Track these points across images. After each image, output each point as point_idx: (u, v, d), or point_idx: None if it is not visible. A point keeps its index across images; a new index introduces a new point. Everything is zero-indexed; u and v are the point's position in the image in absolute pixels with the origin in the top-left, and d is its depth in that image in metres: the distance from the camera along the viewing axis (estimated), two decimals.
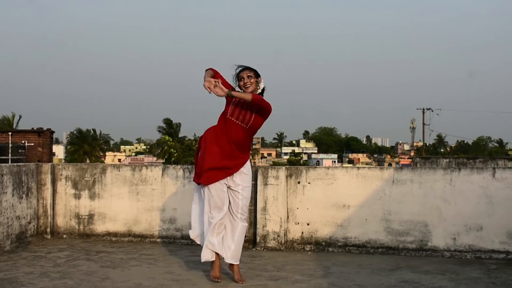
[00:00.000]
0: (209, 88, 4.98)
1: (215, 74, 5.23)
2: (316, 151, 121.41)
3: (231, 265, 5.34)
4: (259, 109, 5.13)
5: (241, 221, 5.31)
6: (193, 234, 5.46)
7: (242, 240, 5.38)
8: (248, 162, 5.36)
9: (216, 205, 5.21)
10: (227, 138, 5.19)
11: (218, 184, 5.21)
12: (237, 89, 5.29)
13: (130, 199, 7.49)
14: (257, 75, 5.29)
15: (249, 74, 5.24)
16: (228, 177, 5.24)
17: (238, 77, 5.28)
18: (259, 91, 5.30)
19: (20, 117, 49.49)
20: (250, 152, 5.73)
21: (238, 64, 5.33)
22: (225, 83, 5.22)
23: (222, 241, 5.28)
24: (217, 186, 5.21)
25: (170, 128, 64.76)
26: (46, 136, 26.47)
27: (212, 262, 5.28)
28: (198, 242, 5.46)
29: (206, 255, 5.24)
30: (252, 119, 5.17)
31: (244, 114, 5.18)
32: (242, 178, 5.28)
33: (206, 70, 5.24)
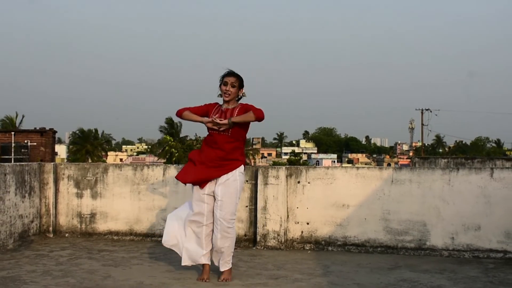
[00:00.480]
0: (216, 127, 5.06)
1: (196, 112, 5.24)
2: (315, 151, 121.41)
3: None
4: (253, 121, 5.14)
5: (221, 232, 5.14)
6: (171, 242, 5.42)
7: (228, 248, 5.20)
8: (236, 171, 5.20)
9: (194, 210, 5.26)
10: (212, 148, 5.19)
11: (198, 190, 5.23)
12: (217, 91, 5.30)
13: (131, 198, 7.49)
14: (241, 85, 5.26)
15: (234, 83, 5.20)
16: (209, 185, 5.21)
17: (223, 79, 5.23)
18: (238, 98, 5.30)
19: (23, 116, 49.57)
20: (249, 156, 5.65)
21: (226, 67, 5.31)
22: (202, 109, 5.27)
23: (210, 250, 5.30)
24: (198, 194, 5.23)
25: (171, 128, 64.75)
26: (48, 136, 26.49)
27: (202, 266, 5.29)
28: (176, 249, 5.42)
29: (186, 261, 5.30)
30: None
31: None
32: (224, 186, 5.17)
33: (182, 113, 5.24)
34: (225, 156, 5.16)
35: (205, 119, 5.16)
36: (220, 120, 5.05)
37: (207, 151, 5.20)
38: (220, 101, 5.34)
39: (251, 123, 5.20)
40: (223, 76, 5.25)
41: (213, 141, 5.18)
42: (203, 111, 5.29)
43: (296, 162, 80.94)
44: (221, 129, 5.07)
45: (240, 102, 5.31)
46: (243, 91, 5.29)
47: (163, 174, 7.42)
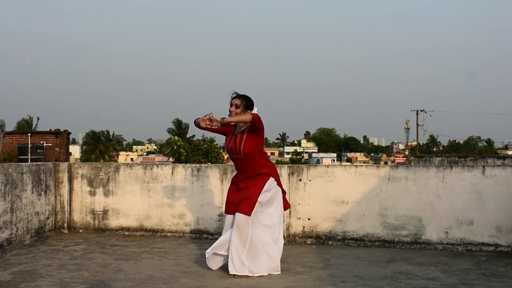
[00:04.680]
0: (208, 125, 5.08)
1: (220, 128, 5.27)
2: (316, 151, 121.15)
3: None
4: (253, 128, 5.16)
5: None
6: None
7: None
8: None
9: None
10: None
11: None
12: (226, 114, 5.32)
13: (142, 195, 7.49)
14: (247, 107, 5.24)
15: (238, 104, 5.21)
16: None
17: (230, 101, 5.26)
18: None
19: (38, 119, 49.70)
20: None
21: (233, 91, 5.32)
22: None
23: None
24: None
25: (179, 129, 64.75)
26: (63, 137, 26.50)
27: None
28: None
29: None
30: (243, 145, 5.18)
31: (234, 144, 5.24)
32: None
33: (197, 119, 5.26)
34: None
35: (201, 118, 5.16)
36: (211, 118, 5.06)
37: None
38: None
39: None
40: (231, 99, 5.27)
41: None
42: (224, 128, 5.33)
43: (297, 161, 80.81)
44: (214, 126, 5.07)
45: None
46: (252, 112, 5.23)
47: (172, 172, 7.42)
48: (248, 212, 5.05)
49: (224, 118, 5.06)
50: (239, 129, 5.28)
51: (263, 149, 5.32)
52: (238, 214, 5.08)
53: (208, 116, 5.06)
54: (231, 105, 5.23)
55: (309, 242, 6.92)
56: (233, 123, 5.29)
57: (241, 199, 5.13)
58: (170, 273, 5.22)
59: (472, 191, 6.58)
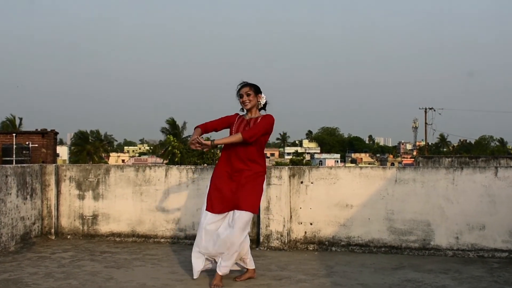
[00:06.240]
0: (197, 148, 5.13)
1: (216, 125, 5.38)
2: (319, 151, 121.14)
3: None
4: (259, 137, 5.22)
5: None
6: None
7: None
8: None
9: None
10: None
11: None
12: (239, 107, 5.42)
13: (133, 199, 7.49)
14: (257, 92, 5.35)
15: (248, 92, 5.31)
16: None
17: (239, 93, 5.35)
18: (260, 106, 5.41)
19: (21, 119, 49.77)
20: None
21: (241, 81, 5.40)
22: (223, 121, 5.39)
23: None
24: None
25: (173, 128, 64.67)
26: (50, 137, 26.48)
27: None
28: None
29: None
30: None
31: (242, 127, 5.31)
32: None
33: (195, 128, 5.35)
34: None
35: (191, 140, 5.21)
36: (200, 141, 5.10)
37: None
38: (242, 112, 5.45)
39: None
40: (238, 91, 5.36)
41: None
42: (224, 123, 5.40)
43: (299, 162, 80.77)
44: (205, 149, 5.16)
45: (262, 111, 5.42)
46: (262, 96, 5.38)
47: (165, 175, 7.42)
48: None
49: (214, 140, 5.14)
50: (250, 116, 5.35)
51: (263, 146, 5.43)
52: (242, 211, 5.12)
53: (195, 140, 5.12)
54: (242, 96, 5.31)
55: (311, 248, 6.92)
56: (248, 109, 5.35)
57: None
58: (164, 282, 5.22)
59: (484, 193, 6.59)
